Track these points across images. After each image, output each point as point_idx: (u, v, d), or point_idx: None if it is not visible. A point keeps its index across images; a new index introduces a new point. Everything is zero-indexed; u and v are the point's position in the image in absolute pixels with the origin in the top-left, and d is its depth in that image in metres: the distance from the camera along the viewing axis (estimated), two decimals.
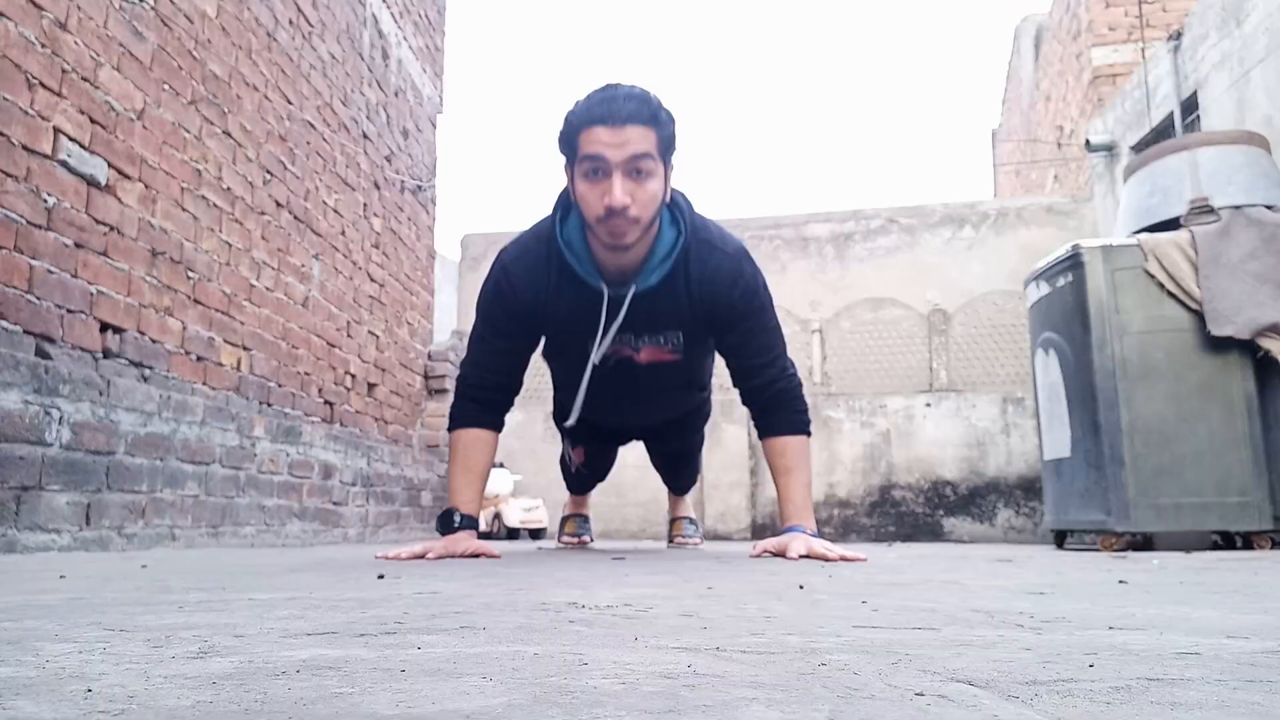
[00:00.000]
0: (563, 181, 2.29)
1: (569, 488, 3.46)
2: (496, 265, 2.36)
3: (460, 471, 2.37)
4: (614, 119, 2.04)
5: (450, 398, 5.35)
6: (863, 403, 6.29)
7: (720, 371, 2.80)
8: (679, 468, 3.35)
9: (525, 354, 2.44)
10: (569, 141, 2.13)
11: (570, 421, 2.51)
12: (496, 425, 2.43)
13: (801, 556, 2.15)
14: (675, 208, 2.29)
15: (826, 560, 2.10)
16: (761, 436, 2.46)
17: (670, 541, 3.59)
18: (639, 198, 2.07)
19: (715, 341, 2.46)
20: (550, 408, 2.94)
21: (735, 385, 2.49)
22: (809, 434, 2.45)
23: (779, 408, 2.42)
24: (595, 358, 2.33)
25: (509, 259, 2.34)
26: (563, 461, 3.37)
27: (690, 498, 3.57)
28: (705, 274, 2.27)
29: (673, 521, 3.56)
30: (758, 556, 2.25)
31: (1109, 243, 3.59)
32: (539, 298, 2.30)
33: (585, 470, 3.30)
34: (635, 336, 2.34)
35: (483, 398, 2.39)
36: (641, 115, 2.06)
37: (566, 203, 2.29)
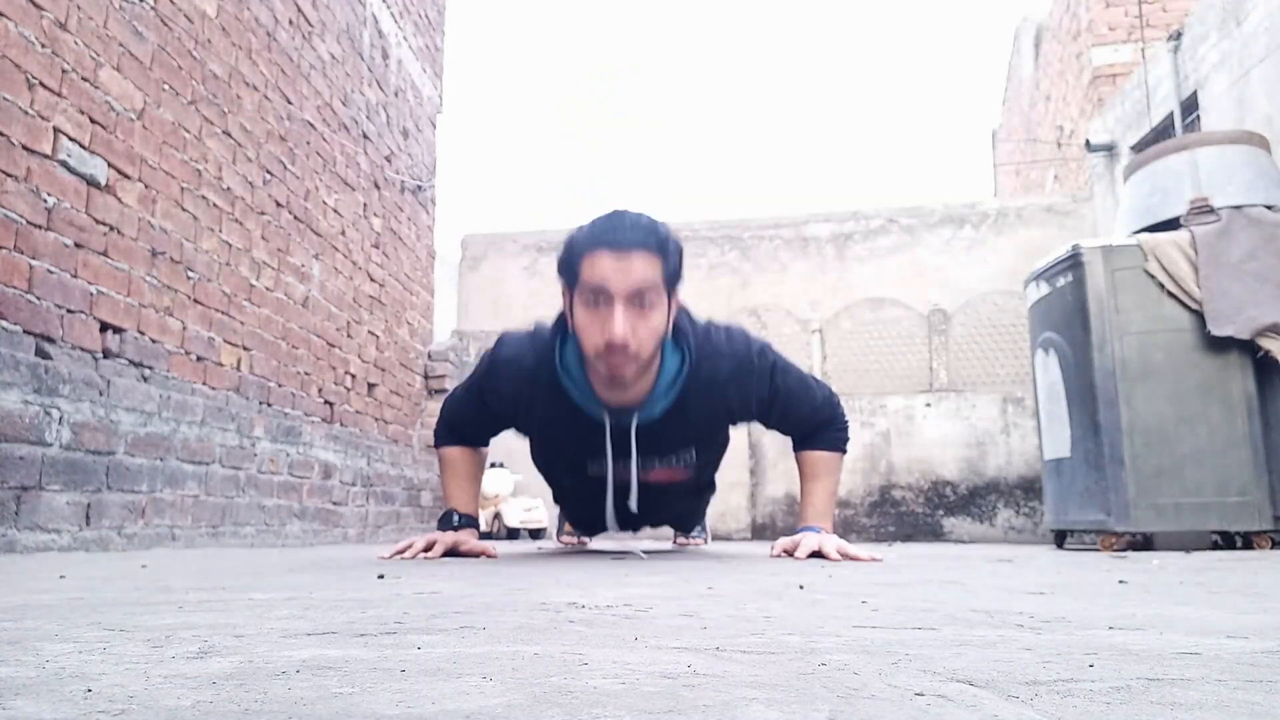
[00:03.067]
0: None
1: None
2: (492, 354, 2.28)
3: (451, 479, 2.39)
4: (619, 245, 1.94)
5: None
6: (862, 403, 6.29)
7: None
8: (688, 525, 3.36)
9: (509, 426, 2.42)
10: (570, 267, 2.02)
11: (610, 523, 2.44)
12: (480, 445, 2.46)
13: (810, 555, 2.15)
14: (679, 333, 2.17)
15: (829, 560, 2.10)
16: (796, 449, 2.44)
17: (674, 541, 3.60)
18: (640, 332, 1.97)
19: (760, 423, 2.40)
20: None
21: (788, 435, 2.45)
22: (845, 451, 2.43)
23: (820, 433, 2.40)
24: (613, 476, 2.25)
25: (502, 358, 2.25)
26: (559, 517, 3.39)
27: None
28: (723, 382, 2.19)
29: None
30: (777, 556, 2.25)
31: (1109, 243, 3.59)
32: (521, 409, 2.25)
33: (582, 537, 3.30)
34: (645, 460, 2.26)
35: (463, 435, 2.42)
36: (648, 244, 1.96)
37: (565, 328, 2.17)
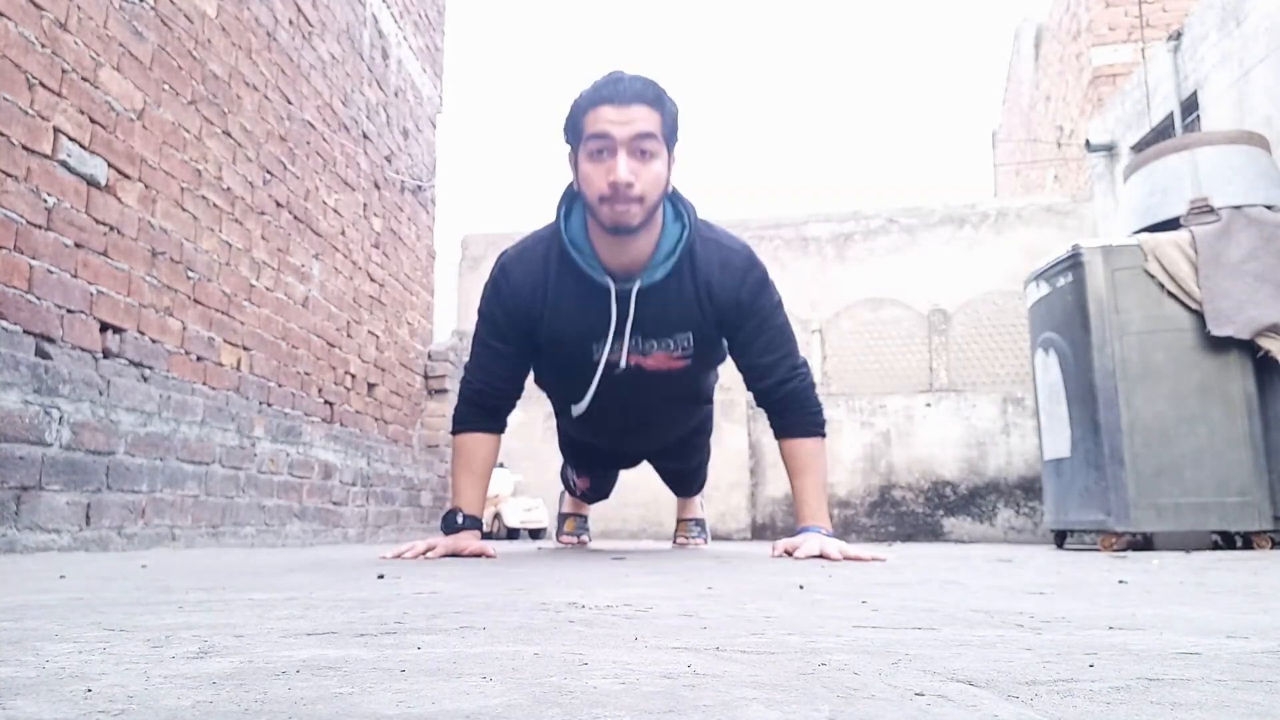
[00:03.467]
0: (565, 183, 2.29)
1: (572, 495, 3.46)
2: (496, 265, 2.37)
3: (463, 473, 2.38)
4: (620, 98, 2.07)
5: (451, 398, 5.37)
6: (862, 403, 6.29)
7: (719, 370, 2.80)
8: (687, 480, 3.35)
9: (525, 358, 2.43)
10: (574, 124, 2.14)
11: (580, 409, 2.45)
12: (498, 429, 2.43)
13: (811, 557, 2.15)
14: (679, 202, 2.28)
15: (832, 560, 2.10)
16: (776, 437, 2.45)
17: (674, 541, 3.60)
18: (643, 176, 2.08)
19: (727, 341, 2.43)
20: (549, 406, 2.94)
21: (748, 388, 2.46)
22: (823, 435, 2.43)
23: (791, 409, 2.40)
24: (608, 354, 2.30)
25: (508, 258, 2.35)
26: (564, 477, 3.39)
27: (699, 499, 3.56)
28: (715, 269, 2.26)
29: (679, 522, 3.57)
30: (778, 557, 2.26)
31: (1109, 243, 3.59)
32: (536, 295, 2.29)
33: (589, 493, 3.32)
34: (644, 339, 2.31)
35: (483, 402, 2.39)
36: (646, 96, 2.09)
37: (570, 202, 2.29)
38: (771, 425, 2.46)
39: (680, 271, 2.25)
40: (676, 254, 2.23)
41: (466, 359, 2.49)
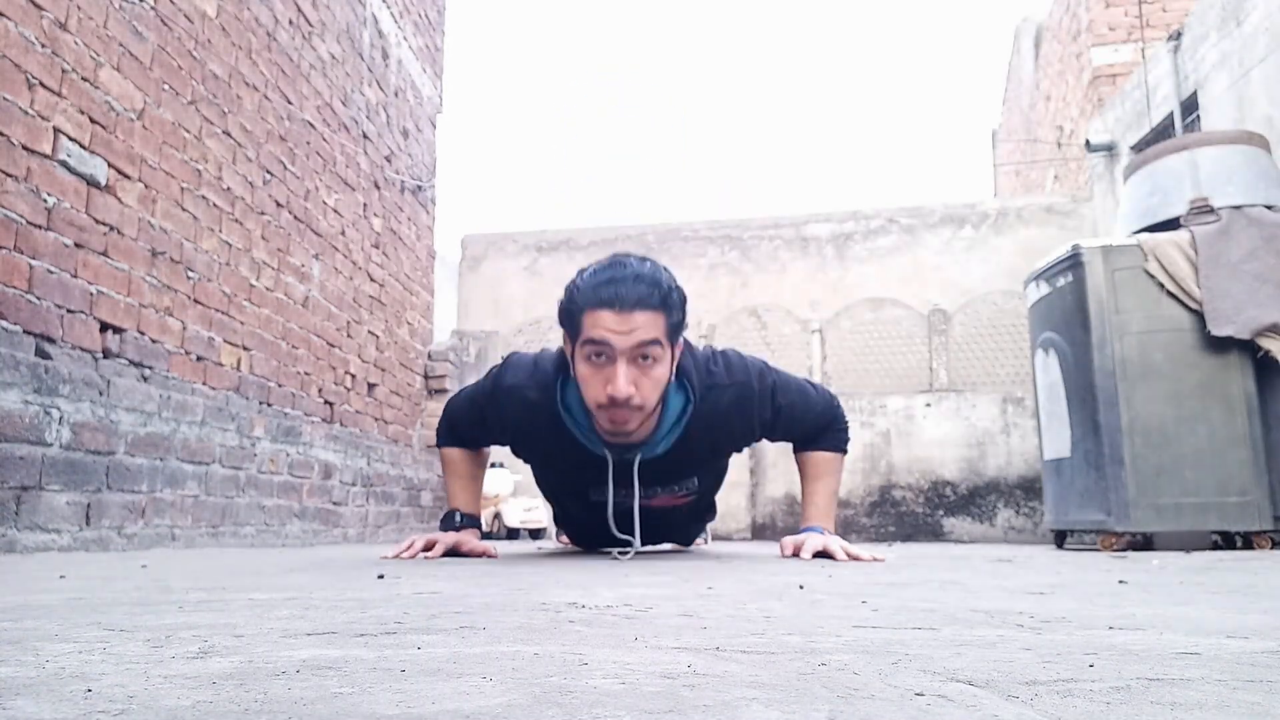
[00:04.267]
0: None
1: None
2: (499, 380, 2.26)
3: (454, 479, 2.41)
4: (621, 304, 1.92)
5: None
6: (862, 403, 6.29)
7: None
8: (688, 541, 3.35)
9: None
10: (572, 320, 2.00)
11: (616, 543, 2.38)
12: (482, 447, 2.48)
13: (815, 554, 2.16)
14: (682, 373, 2.15)
15: (834, 559, 2.11)
16: (797, 450, 2.45)
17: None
18: (643, 387, 1.97)
19: (766, 439, 2.41)
20: None
21: (796, 453, 2.46)
22: (845, 451, 2.44)
23: (822, 434, 2.41)
24: (610, 500, 2.23)
25: (505, 387, 2.23)
26: (558, 521, 3.37)
27: None
28: (731, 415, 2.21)
29: None
30: (789, 556, 2.26)
31: (1109, 243, 3.59)
32: (532, 436, 2.27)
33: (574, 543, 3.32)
34: (647, 488, 2.27)
35: (462, 439, 2.43)
36: (650, 301, 1.94)
37: (567, 368, 2.15)
38: (795, 446, 2.46)
39: (686, 437, 2.19)
40: (681, 426, 2.17)
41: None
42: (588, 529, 2.60)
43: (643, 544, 2.62)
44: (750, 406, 2.23)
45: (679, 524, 2.69)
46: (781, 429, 2.35)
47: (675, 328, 2.01)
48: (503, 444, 2.43)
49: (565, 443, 2.20)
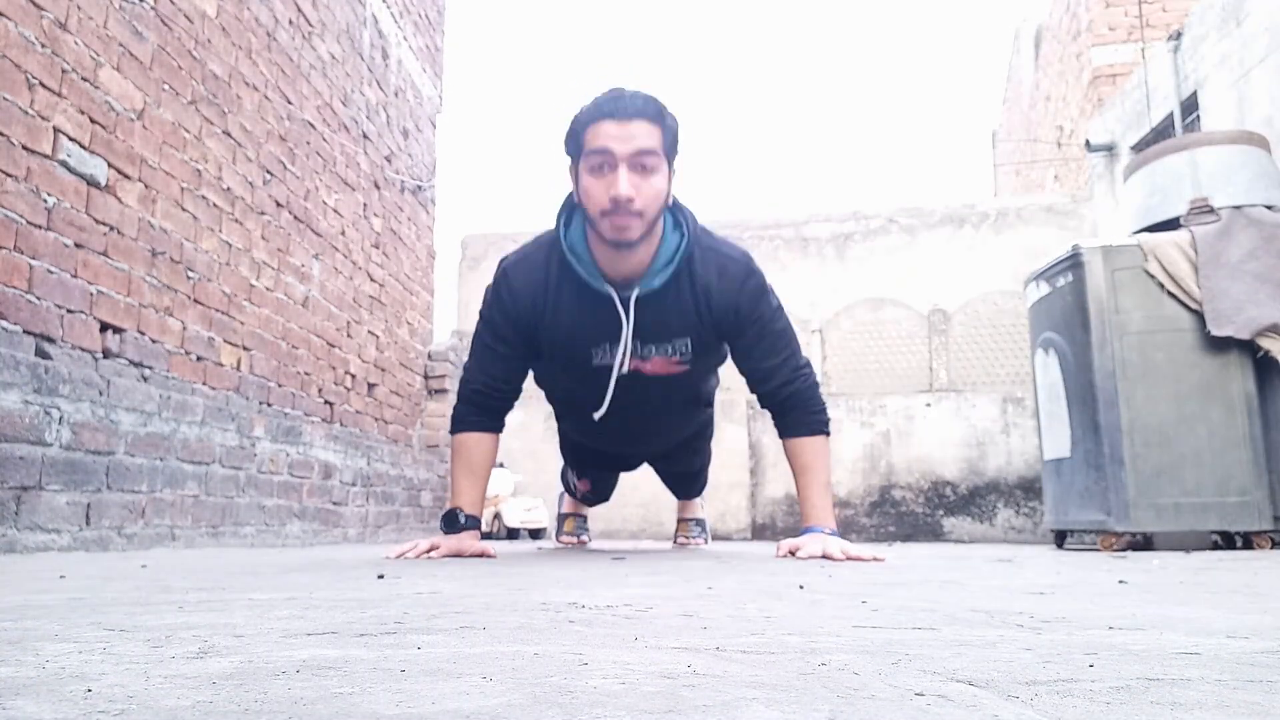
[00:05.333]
0: (565, 190, 2.30)
1: (572, 497, 3.46)
2: (497, 270, 2.39)
3: (462, 473, 2.39)
4: (621, 114, 2.08)
5: (450, 398, 5.37)
6: (862, 403, 6.29)
7: (720, 373, 2.81)
8: (688, 483, 3.36)
9: (524, 361, 2.44)
10: (575, 138, 2.15)
11: (600, 413, 2.44)
12: (497, 428, 2.45)
13: (814, 557, 2.16)
14: (679, 212, 2.29)
15: (834, 560, 2.11)
16: (781, 436, 2.46)
17: (674, 541, 3.60)
18: (644, 191, 2.09)
19: (729, 347, 2.45)
20: (549, 407, 2.95)
21: (752, 391, 2.48)
22: (827, 433, 2.44)
23: (795, 409, 2.41)
24: (616, 360, 2.31)
25: (509, 263, 2.37)
26: (564, 479, 3.39)
27: (700, 499, 3.57)
28: (712, 277, 2.28)
29: (680, 522, 3.58)
30: (783, 557, 2.27)
31: (1109, 243, 3.59)
32: (536, 300, 2.30)
33: (589, 495, 3.33)
34: (643, 345, 2.32)
35: (482, 402, 2.41)
36: (648, 112, 2.10)
37: (570, 210, 2.30)
38: (776, 425, 2.48)
39: (679, 279, 2.27)
40: (675, 262, 2.25)
41: (467, 359, 2.50)
42: (590, 425, 2.54)
43: (641, 441, 2.71)
44: (734, 285, 2.29)
45: (677, 414, 2.69)
46: (750, 337, 2.36)
47: (671, 143, 2.16)
48: (516, 361, 2.41)
49: (570, 291, 2.27)
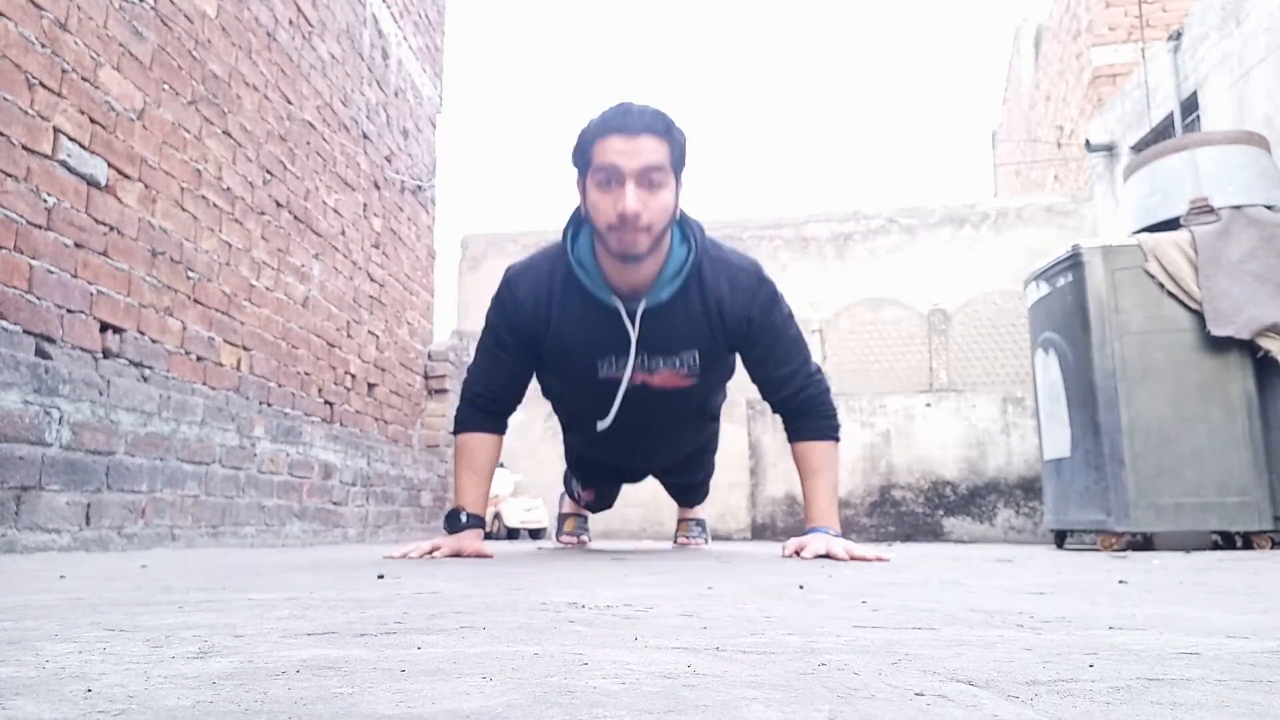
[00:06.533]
0: (569, 194, 2.31)
1: (575, 503, 3.45)
2: (503, 278, 2.38)
3: (465, 472, 2.39)
4: (629, 129, 2.07)
5: (451, 398, 5.37)
6: (862, 403, 6.29)
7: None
8: (691, 493, 3.36)
9: (527, 367, 2.44)
10: (583, 153, 2.14)
11: (604, 424, 2.44)
12: (500, 429, 2.46)
13: (818, 556, 2.16)
14: (686, 225, 2.28)
15: (838, 560, 2.11)
16: (790, 440, 2.46)
17: (674, 541, 3.60)
18: (651, 206, 2.08)
19: (741, 357, 2.44)
20: (549, 406, 2.94)
21: (764, 399, 2.48)
22: (837, 439, 2.45)
23: (807, 415, 2.42)
24: (615, 371, 2.30)
25: (514, 272, 2.37)
26: (567, 484, 3.39)
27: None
28: (724, 288, 2.26)
29: (680, 522, 3.58)
30: (788, 557, 2.27)
31: (1109, 243, 3.59)
32: (541, 309, 2.30)
33: (593, 504, 3.33)
34: (650, 357, 2.31)
35: (485, 405, 2.42)
36: (655, 127, 2.09)
37: (577, 223, 2.29)
38: (786, 429, 2.48)
39: (687, 291, 2.26)
40: (683, 275, 2.24)
41: (468, 361, 2.50)
42: (596, 438, 2.54)
43: (648, 453, 2.70)
44: (744, 294, 2.28)
45: (683, 427, 2.68)
46: (760, 349, 2.36)
47: (679, 157, 2.15)
48: (520, 370, 2.42)
49: (576, 302, 2.27)
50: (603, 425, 2.43)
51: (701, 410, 2.67)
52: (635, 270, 2.19)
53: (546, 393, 2.67)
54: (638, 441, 2.57)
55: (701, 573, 1.66)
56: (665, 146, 2.10)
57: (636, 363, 2.30)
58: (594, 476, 3.10)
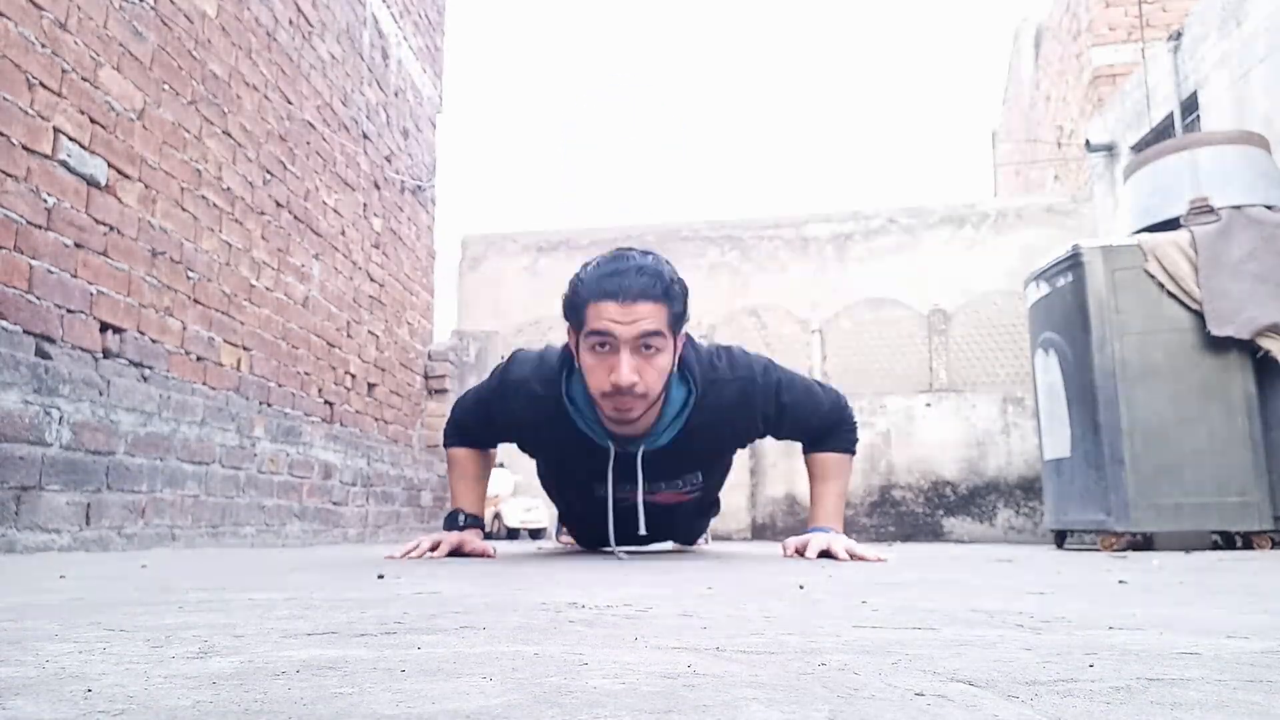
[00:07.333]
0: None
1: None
2: (508, 372, 2.30)
3: (459, 479, 2.44)
4: (624, 295, 1.95)
5: (451, 397, 5.37)
6: (862, 403, 6.29)
7: None
8: (689, 541, 3.35)
9: (515, 439, 2.45)
10: (576, 312, 2.04)
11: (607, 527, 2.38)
12: (490, 447, 2.51)
13: (820, 554, 2.17)
14: (684, 365, 2.18)
15: (837, 559, 2.11)
16: (806, 451, 2.47)
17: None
18: (646, 375, 2.00)
19: (773, 435, 2.42)
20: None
21: (804, 448, 2.48)
22: (854, 452, 2.46)
23: (829, 436, 2.42)
24: (613, 494, 2.25)
25: (512, 380, 2.27)
26: (562, 519, 3.37)
27: None
28: (733, 401, 2.22)
29: None
30: (789, 556, 2.27)
31: (1109, 243, 3.59)
32: (538, 428, 2.29)
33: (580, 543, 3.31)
34: (651, 483, 2.28)
35: (471, 440, 2.46)
36: (653, 292, 1.97)
37: (572, 361, 2.18)
38: (804, 446, 2.48)
39: (689, 430, 2.20)
40: (683, 419, 2.19)
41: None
42: (592, 528, 2.60)
43: (646, 542, 2.63)
44: (753, 402, 2.24)
45: (682, 521, 2.69)
46: (787, 427, 2.35)
47: (677, 319, 2.05)
48: (509, 440, 2.45)
49: (570, 436, 2.22)
50: (612, 546, 2.38)
51: (704, 509, 2.69)
52: (632, 425, 2.14)
53: (541, 480, 2.68)
54: (636, 530, 2.45)
55: (701, 573, 1.66)
56: (663, 310, 1.99)
57: (638, 487, 2.25)
58: (586, 540, 2.99)
